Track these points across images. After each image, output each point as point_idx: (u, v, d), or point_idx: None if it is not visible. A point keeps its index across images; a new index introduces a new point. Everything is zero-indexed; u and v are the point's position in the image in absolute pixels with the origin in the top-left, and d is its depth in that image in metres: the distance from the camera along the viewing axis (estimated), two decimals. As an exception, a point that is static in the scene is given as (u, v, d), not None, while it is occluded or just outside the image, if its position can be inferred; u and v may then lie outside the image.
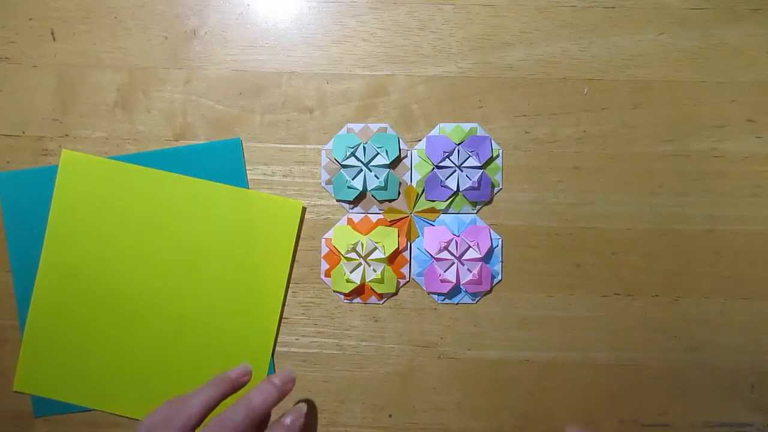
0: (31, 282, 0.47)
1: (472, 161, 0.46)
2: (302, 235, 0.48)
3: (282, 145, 0.48)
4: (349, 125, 0.47)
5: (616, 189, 0.47)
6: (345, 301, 0.47)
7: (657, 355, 0.47)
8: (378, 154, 0.46)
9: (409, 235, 0.47)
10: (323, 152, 0.47)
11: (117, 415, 0.47)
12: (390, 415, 0.47)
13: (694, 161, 0.47)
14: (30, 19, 0.48)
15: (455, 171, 0.46)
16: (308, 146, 0.48)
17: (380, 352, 0.47)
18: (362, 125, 0.47)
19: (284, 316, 0.48)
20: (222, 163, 0.48)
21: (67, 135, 0.48)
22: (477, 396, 0.47)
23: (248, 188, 0.48)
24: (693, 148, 0.47)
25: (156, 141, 0.48)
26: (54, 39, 0.48)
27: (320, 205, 0.48)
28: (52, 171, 0.47)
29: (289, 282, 0.47)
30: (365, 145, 0.46)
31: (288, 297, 0.48)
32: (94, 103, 0.48)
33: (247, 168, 0.48)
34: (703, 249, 0.47)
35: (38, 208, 0.47)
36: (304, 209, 0.48)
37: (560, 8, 0.48)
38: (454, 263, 0.46)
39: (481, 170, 0.46)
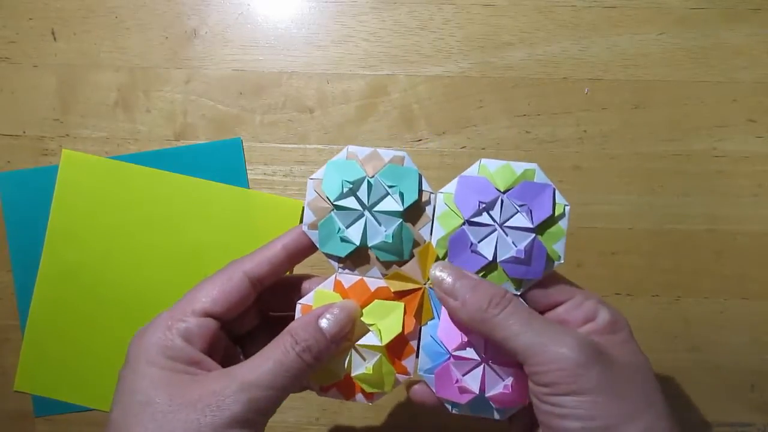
0: (31, 281, 0.47)
1: (521, 220, 0.31)
2: (302, 234, 0.48)
3: (282, 145, 0.48)
4: (351, 148, 0.33)
5: (616, 189, 0.47)
6: (321, 395, 0.33)
7: (657, 355, 0.47)
8: (388, 195, 0.32)
9: (420, 316, 0.33)
10: (310, 183, 0.33)
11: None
12: (390, 415, 0.47)
13: (695, 161, 0.47)
14: (30, 18, 0.49)
15: (495, 231, 0.32)
16: (308, 146, 0.48)
17: (380, 351, 0.47)
18: (370, 150, 0.33)
19: (284, 315, 0.48)
20: (222, 162, 0.48)
21: (67, 135, 0.48)
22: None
23: (248, 188, 0.48)
24: (694, 147, 0.47)
25: (156, 141, 0.48)
26: (54, 39, 0.48)
27: (320, 204, 0.48)
28: (52, 171, 0.47)
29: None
30: (371, 180, 0.32)
31: (288, 297, 0.48)
32: (95, 103, 0.48)
33: (247, 168, 0.48)
34: (703, 249, 0.47)
35: (39, 208, 0.47)
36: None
37: (560, 8, 0.48)
38: (480, 365, 0.32)
39: (534, 235, 0.31)
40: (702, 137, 0.47)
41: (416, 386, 0.34)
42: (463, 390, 0.32)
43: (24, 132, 0.48)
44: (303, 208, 0.47)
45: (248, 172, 0.48)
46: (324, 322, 0.30)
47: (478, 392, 0.32)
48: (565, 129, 0.48)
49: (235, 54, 0.48)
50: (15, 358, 0.47)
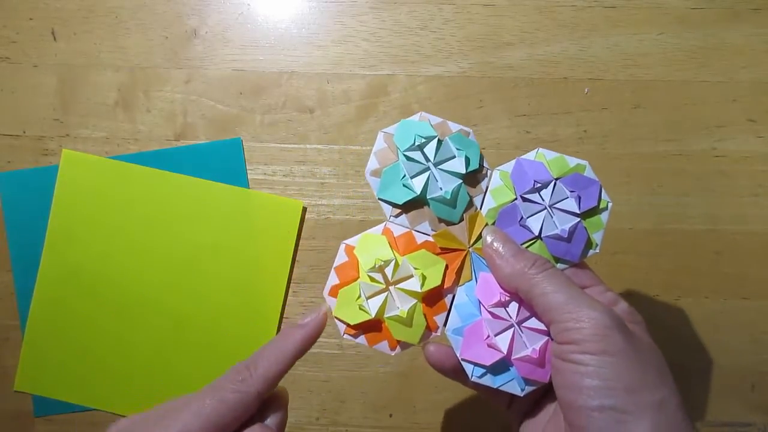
0: (32, 281, 0.47)
1: (570, 204, 0.35)
2: (302, 235, 0.48)
3: (282, 145, 0.48)
4: (424, 114, 0.36)
5: (616, 189, 0.47)
6: (345, 337, 0.35)
7: (657, 354, 0.47)
8: (455, 157, 0.35)
9: (459, 276, 0.35)
10: (380, 135, 0.35)
11: (118, 414, 0.47)
12: (390, 415, 0.47)
13: (695, 161, 0.47)
14: (30, 18, 0.49)
15: (543, 210, 0.35)
16: (308, 146, 0.48)
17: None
18: (440, 119, 0.36)
19: (284, 315, 0.48)
20: (222, 162, 0.48)
21: (67, 135, 0.48)
22: (478, 395, 0.47)
23: (249, 188, 0.48)
24: (694, 147, 0.47)
25: (156, 141, 0.48)
26: (55, 39, 0.48)
27: (321, 204, 0.48)
28: (52, 171, 0.47)
29: (289, 282, 0.48)
30: (441, 141, 0.35)
31: (288, 297, 0.48)
32: (95, 103, 0.48)
33: (247, 168, 0.48)
34: (703, 249, 0.47)
35: (39, 208, 0.47)
36: (304, 209, 0.48)
37: (560, 8, 0.48)
38: (511, 327, 0.34)
39: (578, 219, 0.35)
40: (702, 137, 0.47)
41: (431, 347, 0.35)
42: (491, 347, 0.33)
43: (24, 132, 0.48)
44: (303, 208, 0.47)
45: (248, 172, 0.48)
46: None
47: (505, 352, 0.33)
48: (565, 129, 0.48)
49: (235, 54, 0.48)
50: (15, 358, 0.47)
